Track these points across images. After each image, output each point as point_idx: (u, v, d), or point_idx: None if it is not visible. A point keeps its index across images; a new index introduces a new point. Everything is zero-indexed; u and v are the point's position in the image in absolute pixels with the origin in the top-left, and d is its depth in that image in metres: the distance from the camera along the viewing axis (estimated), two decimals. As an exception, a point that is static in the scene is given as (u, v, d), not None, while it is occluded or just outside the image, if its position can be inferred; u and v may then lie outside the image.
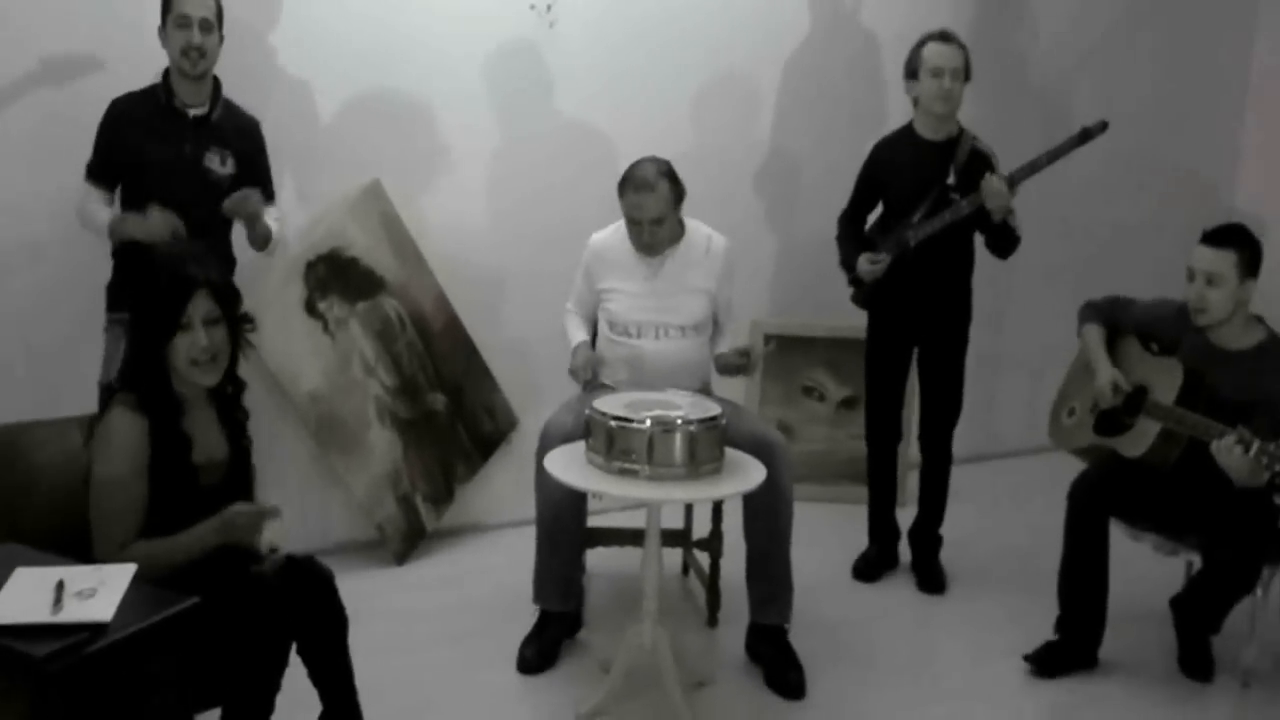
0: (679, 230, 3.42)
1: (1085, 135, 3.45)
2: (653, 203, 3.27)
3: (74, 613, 1.90)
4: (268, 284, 3.69)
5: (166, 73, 3.26)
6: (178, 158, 3.24)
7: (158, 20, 3.23)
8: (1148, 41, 5.24)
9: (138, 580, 2.03)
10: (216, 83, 3.32)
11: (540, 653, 3.27)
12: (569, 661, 3.32)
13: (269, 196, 3.46)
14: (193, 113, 3.26)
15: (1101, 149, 5.10)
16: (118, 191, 3.30)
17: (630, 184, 3.30)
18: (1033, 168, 3.48)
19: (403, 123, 3.96)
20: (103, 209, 3.25)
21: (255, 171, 3.40)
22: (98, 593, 1.96)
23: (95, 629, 1.87)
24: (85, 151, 3.26)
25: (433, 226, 4.03)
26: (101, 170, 3.25)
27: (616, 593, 3.74)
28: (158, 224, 3.12)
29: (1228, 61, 5.51)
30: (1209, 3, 5.37)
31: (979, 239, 3.73)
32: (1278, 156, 5.45)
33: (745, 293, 3.88)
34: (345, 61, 3.81)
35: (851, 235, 3.83)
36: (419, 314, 4.01)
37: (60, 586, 1.96)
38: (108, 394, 3.17)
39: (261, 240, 3.41)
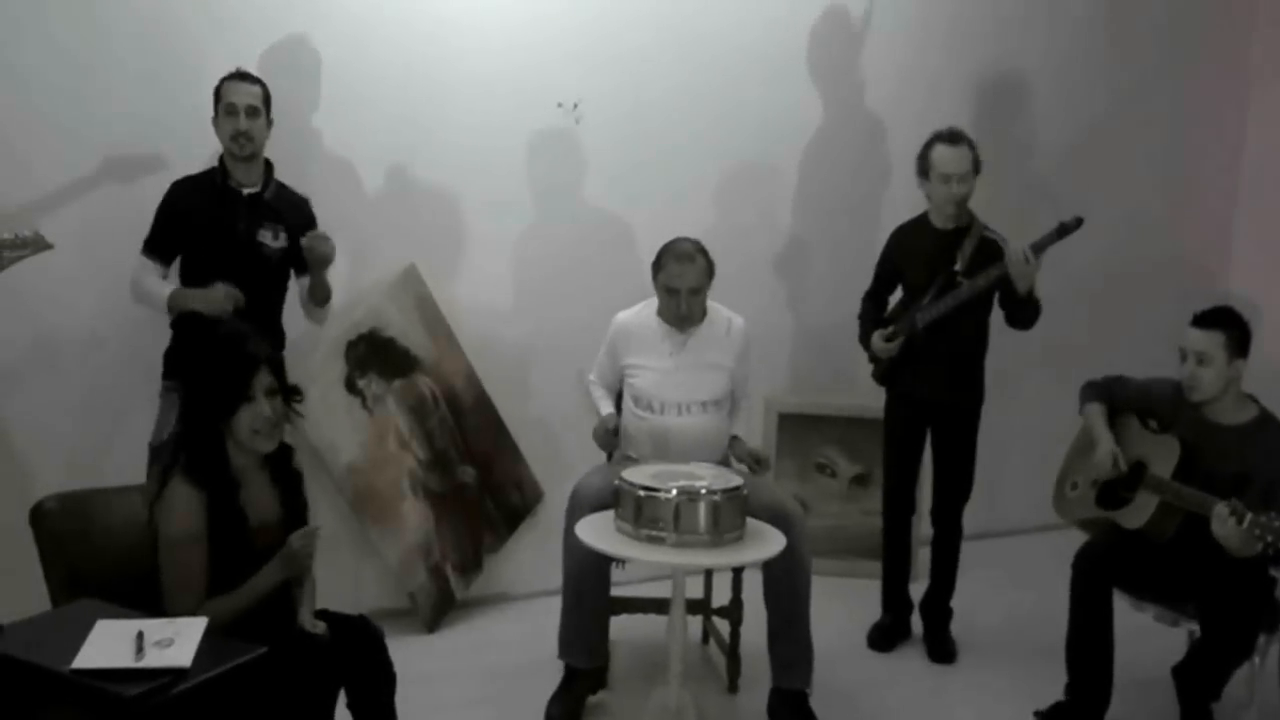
0: (702, 311, 3.64)
1: (1062, 230, 3.68)
2: (693, 273, 3.51)
3: (155, 659, 2.07)
4: (311, 361, 3.90)
5: (222, 156, 3.51)
6: (233, 233, 3.48)
7: (212, 114, 3.50)
8: (1143, 132, 5.49)
9: (209, 631, 2.20)
10: (269, 164, 3.57)
11: (566, 711, 3.41)
12: (594, 724, 3.46)
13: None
14: (246, 191, 3.51)
15: (1103, 236, 5.40)
16: (175, 266, 3.52)
17: (671, 255, 3.55)
18: (1043, 244, 3.70)
19: (437, 211, 4.20)
20: (159, 282, 3.47)
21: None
22: (175, 642, 2.13)
23: (176, 673, 2.04)
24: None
25: (464, 308, 4.26)
26: (159, 244, 3.48)
27: (640, 659, 3.88)
28: (219, 297, 3.34)
29: (1221, 150, 5.75)
30: (1203, 94, 5.63)
31: (993, 321, 3.93)
32: (1270, 241, 5.66)
33: (760, 372, 4.08)
34: (384, 155, 4.07)
35: (871, 314, 4.06)
36: (451, 391, 4.21)
37: (140, 636, 2.14)
38: (159, 455, 3.38)
39: (322, 295, 3.62)
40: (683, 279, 3.52)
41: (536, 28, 4.22)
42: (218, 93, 3.47)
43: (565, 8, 4.25)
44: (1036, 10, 5.14)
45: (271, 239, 3.54)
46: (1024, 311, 3.81)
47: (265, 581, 2.52)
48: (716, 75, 4.54)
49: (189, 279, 3.48)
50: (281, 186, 3.61)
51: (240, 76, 3.48)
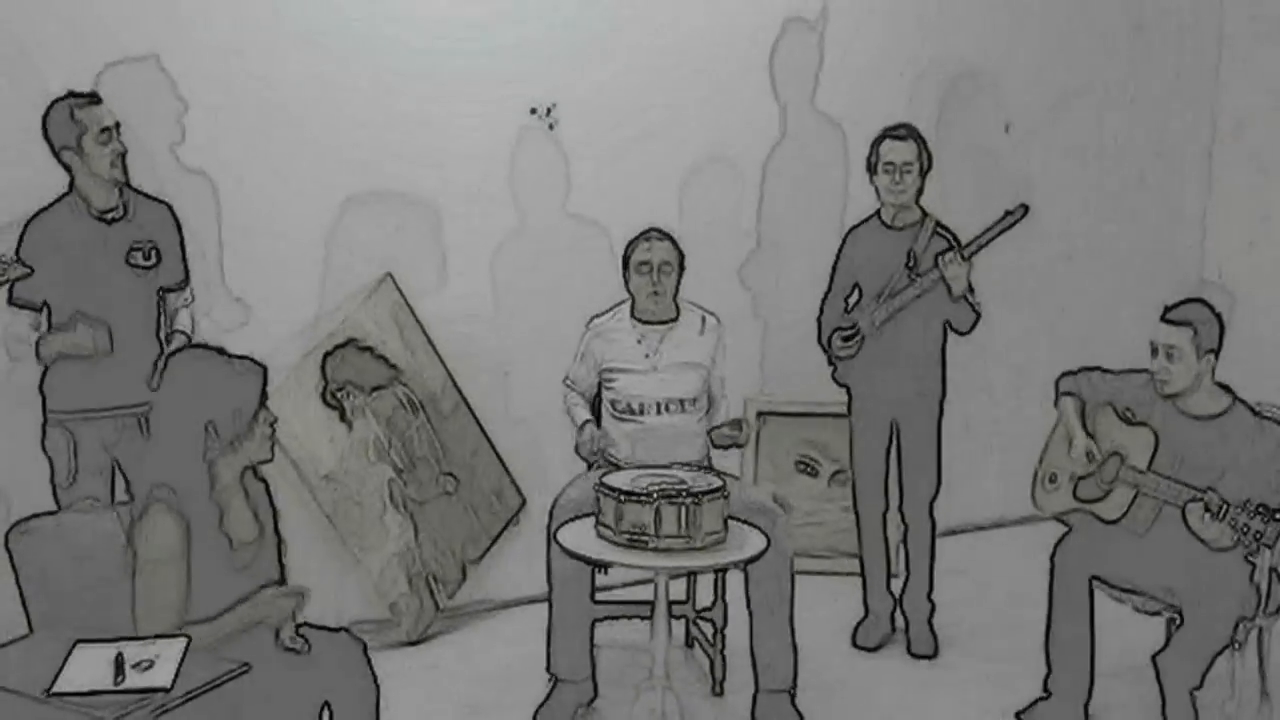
0: (675, 310, 3.68)
1: (1008, 216, 3.77)
2: (662, 249, 3.60)
3: (135, 681, 2.06)
4: (287, 374, 3.88)
5: (73, 186, 3.33)
6: (108, 261, 3.35)
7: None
8: (1112, 123, 5.53)
9: (190, 650, 2.20)
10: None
11: (555, 720, 3.41)
12: (583, 732, 3.47)
13: (185, 280, 3.55)
14: (111, 215, 3.37)
15: (1075, 228, 5.44)
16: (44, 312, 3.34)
17: (641, 237, 3.65)
18: (977, 245, 3.78)
19: (412, 218, 4.19)
20: (29, 332, 3.32)
21: (170, 255, 3.50)
22: (155, 663, 2.13)
23: (157, 694, 2.03)
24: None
25: (441, 316, 4.25)
26: (28, 290, 3.28)
27: (626, 664, 3.87)
28: (86, 338, 3.25)
29: (1191, 141, 5.80)
30: (1171, 84, 5.67)
31: None
32: (1242, 230, 5.71)
33: (738, 371, 4.10)
34: (357, 163, 4.06)
35: (830, 316, 4.09)
36: (429, 400, 4.21)
37: (120, 658, 2.13)
38: (72, 498, 3.28)
39: None
40: (653, 253, 3.60)
41: (510, 31, 4.22)
42: (75, 119, 3.27)
43: (537, 12, 4.25)
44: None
45: (143, 259, 3.41)
46: (960, 315, 3.87)
47: (236, 623, 2.51)
48: (687, 77, 4.55)
49: (65, 318, 3.33)
50: (138, 198, 3.45)
51: (98, 99, 3.32)
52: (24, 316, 3.35)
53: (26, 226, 3.32)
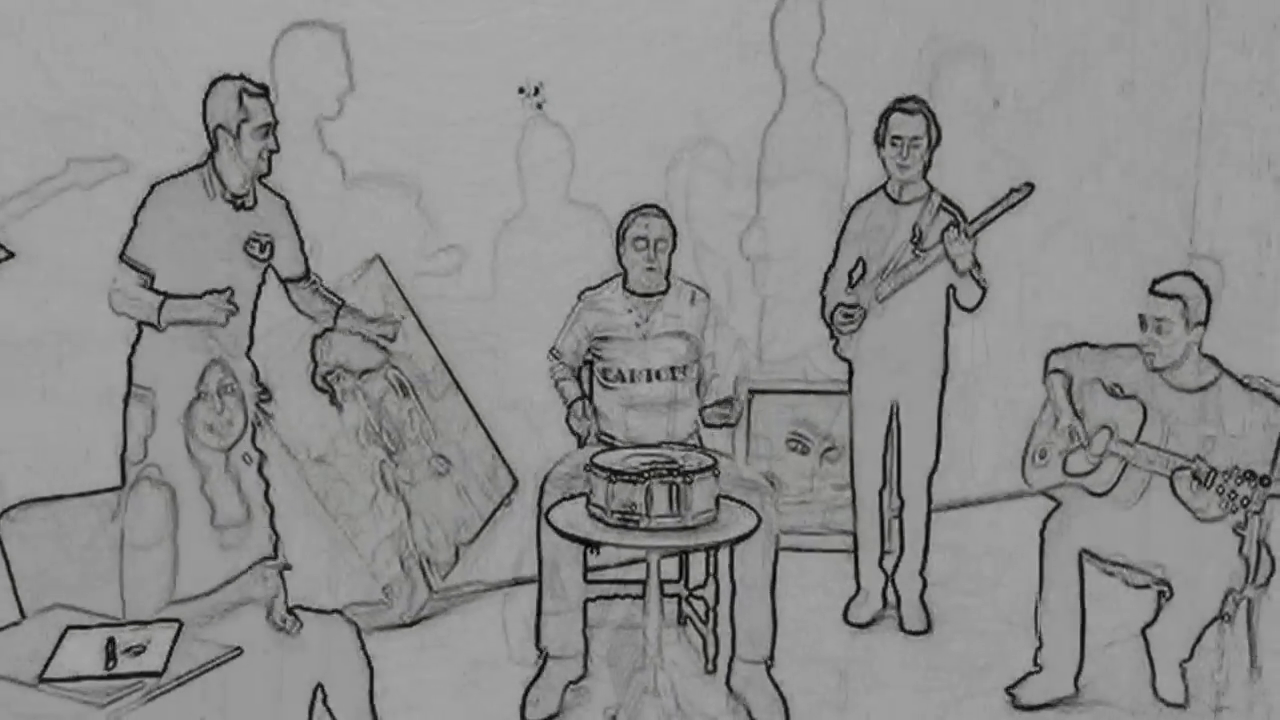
0: (667, 284, 3.75)
1: (1012, 194, 3.83)
2: (659, 225, 3.71)
3: (128, 665, 2.07)
4: (277, 356, 3.87)
5: (213, 163, 3.39)
6: (228, 245, 3.39)
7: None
8: (1105, 94, 5.51)
9: (182, 633, 2.20)
10: None
11: (546, 699, 3.44)
12: (574, 711, 3.47)
13: (306, 272, 3.67)
14: (241, 201, 3.42)
15: (1068, 201, 5.43)
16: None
17: (637, 212, 3.77)
18: (982, 222, 3.81)
19: (401, 199, 4.17)
20: (146, 292, 3.32)
21: (288, 247, 3.58)
22: (147, 648, 2.13)
23: (149, 678, 2.03)
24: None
25: (431, 297, 4.23)
26: (143, 254, 3.32)
27: (619, 644, 3.89)
28: (209, 309, 3.29)
29: (1181, 113, 5.78)
30: (1162, 57, 5.64)
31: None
32: (1232, 202, 5.71)
33: (729, 349, 4.10)
34: (347, 143, 4.04)
35: (833, 291, 4.09)
36: (420, 382, 4.20)
37: (112, 643, 2.13)
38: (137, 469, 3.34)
39: None
40: (649, 229, 3.70)
41: (503, 7, 4.19)
42: (243, 105, 3.35)
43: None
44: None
45: (259, 250, 3.47)
46: (966, 291, 3.90)
47: (221, 603, 2.51)
48: (686, 48, 4.51)
49: (173, 290, 3.33)
50: (262, 190, 3.50)
51: (267, 92, 3.41)
52: (133, 275, 3.34)
53: (153, 189, 3.34)
